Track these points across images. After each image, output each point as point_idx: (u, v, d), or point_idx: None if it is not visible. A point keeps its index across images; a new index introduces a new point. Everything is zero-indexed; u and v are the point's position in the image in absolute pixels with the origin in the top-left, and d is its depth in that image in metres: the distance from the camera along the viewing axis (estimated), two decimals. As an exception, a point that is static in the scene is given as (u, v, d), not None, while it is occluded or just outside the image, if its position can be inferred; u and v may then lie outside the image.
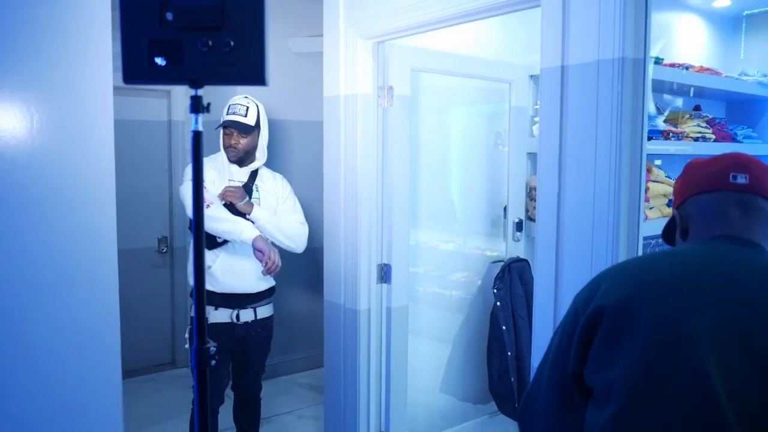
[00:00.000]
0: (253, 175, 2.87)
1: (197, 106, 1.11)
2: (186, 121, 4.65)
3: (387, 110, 2.81)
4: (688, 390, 0.91)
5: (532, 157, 3.40)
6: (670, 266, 1.07)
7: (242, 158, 2.83)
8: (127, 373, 3.69)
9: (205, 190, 2.65)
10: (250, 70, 1.09)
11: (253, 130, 2.80)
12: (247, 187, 2.81)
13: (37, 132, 2.10)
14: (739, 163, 1.16)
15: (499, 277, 3.18)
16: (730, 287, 1.01)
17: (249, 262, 2.74)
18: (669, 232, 1.31)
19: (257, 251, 2.67)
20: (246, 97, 2.85)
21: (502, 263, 3.26)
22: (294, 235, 2.87)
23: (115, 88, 2.25)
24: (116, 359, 2.29)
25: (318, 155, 3.12)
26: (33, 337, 2.11)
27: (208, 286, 2.72)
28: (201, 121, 1.13)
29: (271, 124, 4.42)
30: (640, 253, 1.97)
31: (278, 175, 3.01)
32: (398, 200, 2.85)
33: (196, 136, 1.13)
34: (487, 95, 3.45)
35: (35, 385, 2.12)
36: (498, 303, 3.12)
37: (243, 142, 2.79)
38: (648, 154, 2.88)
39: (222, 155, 2.84)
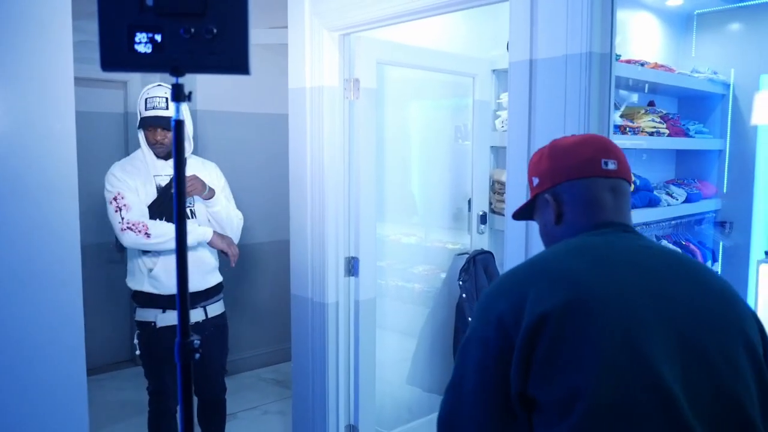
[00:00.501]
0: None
1: (179, 94, 1.09)
2: (144, 114, 4.55)
3: (353, 103, 2.81)
4: (651, 402, 0.93)
5: (495, 150, 3.44)
6: (593, 265, 1.06)
7: (169, 152, 2.65)
8: (88, 371, 3.60)
9: (125, 209, 2.58)
10: (233, 59, 1.07)
11: (169, 126, 2.60)
12: (170, 195, 2.65)
13: (-5, 122, 2.03)
14: (607, 148, 1.22)
15: (465, 269, 3.21)
16: (658, 285, 1.05)
17: (191, 257, 2.53)
18: (525, 213, 1.33)
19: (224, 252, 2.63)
20: (160, 85, 2.65)
21: (467, 255, 3.29)
22: (237, 227, 2.84)
23: (86, 80, 2.19)
24: (80, 356, 2.24)
25: (280, 148, 3.09)
26: (-8, 334, 2.04)
27: (152, 289, 2.64)
28: (182, 110, 1.10)
29: (235, 116, 4.40)
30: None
31: (209, 163, 2.88)
32: (365, 193, 2.85)
33: (178, 126, 1.11)
34: (451, 89, 3.48)
35: (-5, 385, 2.05)
36: (464, 295, 3.15)
37: (169, 136, 2.60)
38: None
39: (142, 153, 2.68)
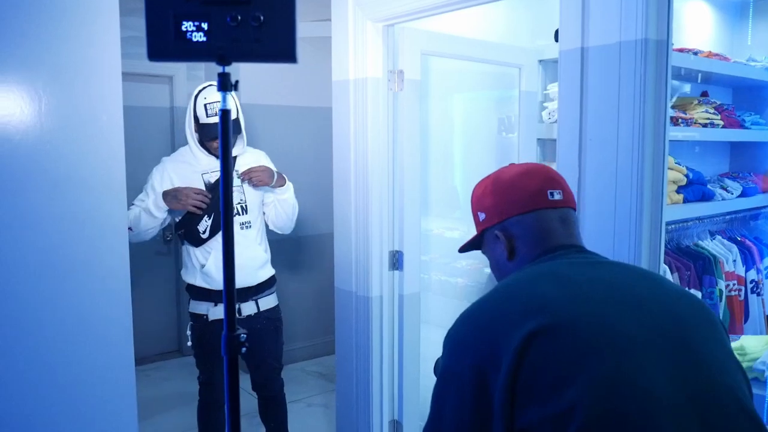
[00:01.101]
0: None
1: (225, 83, 1.07)
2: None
3: (397, 95, 2.77)
4: (641, 411, 0.90)
5: (542, 143, 3.37)
6: (559, 286, 1.04)
7: None
8: (136, 360, 3.66)
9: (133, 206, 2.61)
10: (280, 47, 1.05)
11: (236, 125, 2.62)
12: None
13: (45, 115, 2.06)
14: (552, 177, 1.22)
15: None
16: (627, 293, 1.05)
17: (244, 254, 2.57)
18: (470, 247, 1.32)
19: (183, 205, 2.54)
20: (213, 87, 2.57)
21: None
22: (295, 215, 2.83)
23: (134, 75, 2.21)
24: (129, 347, 2.26)
25: (325, 141, 3.07)
26: (43, 325, 2.08)
27: (204, 284, 2.66)
28: (228, 99, 1.09)
29: (281, 110, 4.41)
30: (663, 238, 1.93)
31: (258, 152, 2.84)
32: (409, 186, 2.81)
33: (225, 116, 1.10)
34: (497, 80, 3.41)
35: (48, 374, 2.09)
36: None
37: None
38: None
39: (190, 150, 2.65)
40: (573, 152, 1.98)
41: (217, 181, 2.62)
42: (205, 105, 2.52)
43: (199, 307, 2.69)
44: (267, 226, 2.84)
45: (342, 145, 2.89)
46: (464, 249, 1.35)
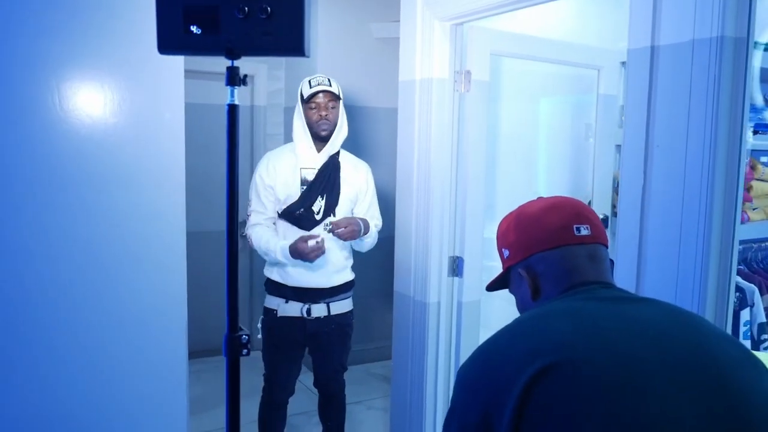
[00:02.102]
0: (332, 162, 2.67)
1: (233, 78, 1.05)
2: (268, 107, 4.69)
3: (464, 96, 2.69)
4: None
5: (621, 149, 3.18)
6: (574, 323, 0.97)
7: (327, 137, 2.65)
8: (198, 353, 3.75)
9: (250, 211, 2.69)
10: (289, 40, 1.01)
11: (339, 100, 2.67)
12: (326, 176, 2.64)
13: (110, 111, 2.13)
14: (579, 213, 1.15)
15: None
16: (649, 328, 0.97)
17: (324, 256, 2.58)
18: (498, 285, 1.26)
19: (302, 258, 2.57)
20: (238, 106, 2.57)
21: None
22: (372, 246, 2.82)
23: (196, 72, 2.24)
24: (183, 340, 2.31)
25: (388, 143, 3.04)
26: (100, 314, 2.15)
27: (279, 279, 2.68)
28: (237, 94, 1.06)
29: (354, 110, 4.41)
30: (735, 255, 1.77)
31: (362, 165, 2.82)
32: (473, 191, 2.73)
33: (232, 110, 1.07)
34: (573, 83, 3.26)
35: (102, 363, 2.16)
36: (577, 303, 2.94)
37: (333, 112, 2.64)
38: (753, 150, 2.64)
39: (293, 145, 2.69)
40: (638, 159, 1.85)
41: (312, 181, 2.63)
42: (309, 80, 2.65)
43: (271, 302, 2.72)
44: None
45: (406, 146, 2.84)
46: (491, 288, 1.29)
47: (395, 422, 2.99)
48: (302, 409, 3.69)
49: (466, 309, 2.77)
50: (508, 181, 3.12)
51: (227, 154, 1.10)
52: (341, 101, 2.68)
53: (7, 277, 1.99)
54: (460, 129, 2.72)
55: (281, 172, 2.65)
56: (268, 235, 2.64)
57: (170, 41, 1.03)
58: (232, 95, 1.07)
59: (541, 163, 3.34)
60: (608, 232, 3.20)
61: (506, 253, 1.19)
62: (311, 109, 2.62)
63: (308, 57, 1.05)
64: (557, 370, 0.88)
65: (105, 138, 2.13)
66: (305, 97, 2.63)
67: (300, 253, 2.53)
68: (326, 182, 2.63)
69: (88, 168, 2.12)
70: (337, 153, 2.70)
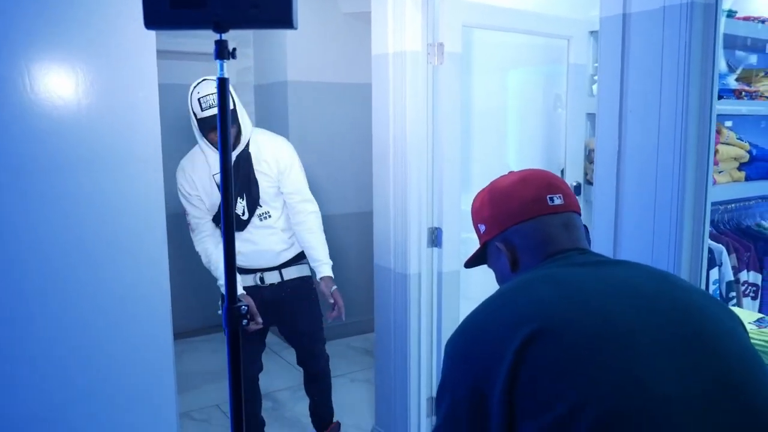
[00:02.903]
0: (242, 157, 2.62)
1: (222, 51, 1.05)
2: (237, 85, 4.63)
3: (437, 68, 2.70)
4: (646, 409, 0.84)
5: (592, 118, 3.23)
6: (559, 289, 0.99)
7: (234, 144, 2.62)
8: (178, 334, 3.74)
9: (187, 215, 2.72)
10: (277, 12, 1.01)
11: (234, 114, 2.57)
12: (239, 176, 2.61)
13: (82, 92, 2.10)
14: (551, 183, 1.17)
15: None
16: (631, 289, 0.99)
17: (265, 240, 2.70)
18: (475, 261, 1.28)
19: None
20: (206, 80, 2.53)
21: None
22: (317, 211, 2.79)
23: (164, 52, 2.21)
24: (167, 319, 2.30)
25: (364, 118, 3.04)
26: (83, 297, 2.14)
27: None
28: (226, 68, 1.06)
29: (326, 87, 4.40)
30: (708, 217, 1.83)
31: (279, 139, 2.78)
32: (449, 162, 2.75)
33: (222, 84, 1.07)
34: (544, 53, 3.29)
35: (86, 345, 2.15)
36: (553, 269, 3.00)
37: (231, 131, 2.53)
38: (718, 115, 2.70)
39: (201, 152, 2.64)
40: (612, 125, 1.89)
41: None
42: (198, 99, 2.50)
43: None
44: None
45: (381, 120, 2.85)
46: (470, 264, 1.31)
47: (380, 393, 3.04)
48: (286, 385, 3.73)
49: (447, 279, 2.81)
50: (483, 153, 3.16)
51: (219, 126, 1.10)
52: (236, 105, 2.59)
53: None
54: (435, 101, 2.73)
55: (198, 182, 2.64)
56: (215, 258, 2.70)
57: (156, 16, 1.02)
58: (222, 69, 1.07)
59: (514, 133, 3.38)
60: (581, 200, 3.26)
61: (482, 228, 1.21)
62: (207, 129, 2.53)
63: (296, 29, 1.05)
64: (544, 336, 0.90)
65: (78, 119, 2.10)
66: (198, 118, 2.52)
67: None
68: (241, 183, 2.62)
69: (63, 151, 2.09)
70: (247, 144, 2.64)
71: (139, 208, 2.22)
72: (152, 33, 2.16)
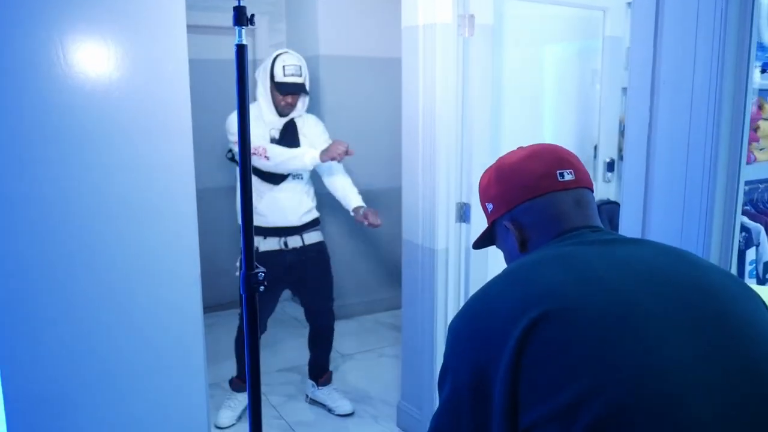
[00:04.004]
0: (291, 122, 3.05)
1: (240, 18, 1.05)
2: (271, 60, 4.64)
3: (468, 41, 2.67)
4: (656, 399, 0.80)
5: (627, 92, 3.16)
6: (568, 271, 0.94)
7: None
8: (210, 308, 3.81)
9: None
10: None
11: (306, 92, 3.04)
12: (289, 133, 3.02)
13: (113, 65, 2.12)
14: (561, 158, 1.12)
15: (586, 220, 3.02)
16: (645, 269, 0.95)
17: (292, 199, 3.04)
18: (486, 241, 1.23)
19: (332, 158, 2.92)
20: (288, 53, 3.03)
21: (590, 205, 3.08)
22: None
23: (194, 26, 2.23)
24: (197, 289, 2.34)
25: (395, 93, 3.02)
26: (111, 271, 2.18)
27: (256, 223, 2.76)
28: (245, 35, 1.07)
29: (352, 60, 4.38)
30: (741, 195, 1.78)
31: (313, 118, 3.20)
32: (478, 136, 2.73)
33: (240, 51, 1.08)
34: (578, 25, 3.21)
35: (115, 318, 2.20)
36: (583, 247, 2.97)
37: (300, 100, 3.04)
38: (761, 90, 2.62)
39: (259, 108, 3.00)
40: (644, 97, 1.84)
41: (283, 127, 3.04)
42: (283, 66, 2.96)
43: None
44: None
45: (410, 93, 2.83)
46: (478, 245, 1.27)
47: (407, 368, 3.06)
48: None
49: (474, 255, 2.80)
50: (514, 127, 3.11)
51: (237, 94, 1.11)
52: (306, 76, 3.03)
53: (8, 228, 2.01)
54: (465, 74, 2.70)
55: (252, 127, 2.87)
56: (287, 149, 2.97)
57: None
58: (240, 35, 1.07)
59: (546, 109, 3.32)
60: (614, 176, 3.20)
61: (490, 207, 1.16)
62: (279, 94, 2.99)
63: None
64: (551, 319, 0.86)
65: (110, 92, 2.13)
66: (276, 81, 2.97)
67: (331, 152, 2.90)
68: (287, 143, 2.99)
69: (96, 122, 2.12)
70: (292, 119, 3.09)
71: (170, 177, 2.25)
72: (182, 6, 2.17)
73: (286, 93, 2.97)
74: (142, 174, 2.20)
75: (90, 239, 2.13)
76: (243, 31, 1.07)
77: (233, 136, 2.95)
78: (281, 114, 3.03)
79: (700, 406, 0.80)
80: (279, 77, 2.96)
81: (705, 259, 1.06)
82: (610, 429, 0.78)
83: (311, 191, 3.18)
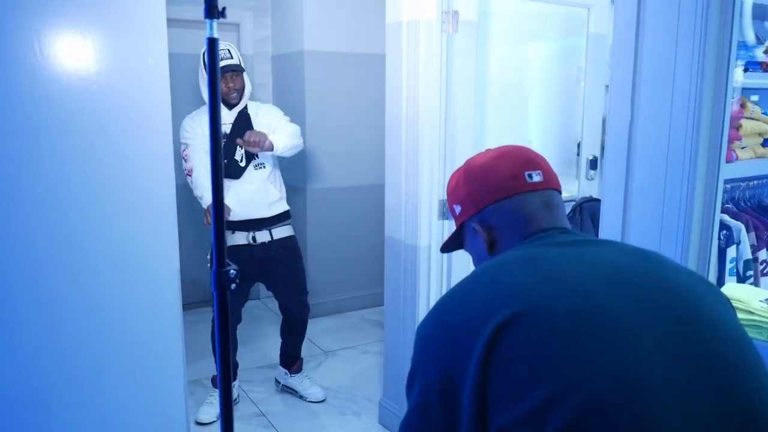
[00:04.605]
0: (242, 114, 3.06)
1: (211, 10, 1.03)
2: (255, 55, 4.61)
3: (452, 37, 2.65)
4: (627, 396, 0.80)
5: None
6: (535, 271, 0.93)
7: (237, 102, 3.06)
8: (191, 304, 3.78)
9: (187, 159, 3.01)
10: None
11: (242, 69, 3.02)
12: (240, 126, 3.00)
13: (92, 58, 2.09)
14: (529, 159, 1.11)
15: (570, 218, 3.02)
16: (612, 270, 0.94)
17: (257, 190, 3.05)
18: (455, 244, 1.22)
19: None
20: (218, 40, 3.08)
21: (573, 203, 3.09)
22: (296, 133, 3.13)
23: (173, 20, 2.20)
24: (176, 285, 2.32)
25: (380, 89, 3.01)
26: (92, 266, 2.15)
27: (225, 216, 2.80)
28: (216, 28, 1.05)
29: (337, 56, 4.36)
30: (720, 193, 1.78)
31: (266, 106, 3.22)
32: (462, 133, 2.72)
33: (212, 44, 1.06)
34: (563, 22, 3.21)
35: (91, 315, 2.17)
36: (566, 244, 2.97)
37: (238, 80, 3.01)
38: (744, 88, 2.62)
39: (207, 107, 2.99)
40: (625, 94, 1.84)
41: (227, 134, 3.04)
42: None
43: None
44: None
45: (394, 90, 2.81)
46: (446, 248, 1.25)
47: (389, 364, 3.05)
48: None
49: (457, 251, 2.78)
50: (498, 124, 3.11)
51: (209, 88, 1.09)
52: (241, 61, 3.05)
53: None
54: (449, 71, 2.69)
55: (201, 131, 2.97)
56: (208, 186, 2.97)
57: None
58: (211, 28, 1.05)
59: (531, 105, 3.32)
60: (597, 174, 3.21)
61: (458, 209, 1.15)
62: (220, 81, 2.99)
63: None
64: (519, 321, 0.84)
65: (88, 85, 2.10)
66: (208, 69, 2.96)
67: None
68: (242, 130, 2.97)
69: (72, 116, 2.09)
70: (245, 107, 3.09)
71: (149, 172, 2.22)
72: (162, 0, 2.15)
73: (222, 75, 2.94)
74: (119, 169, 2.17)
75: (66, 236, 2.10)
76: (214, 24, 1.05)
77: (182, 140, 3.01)
78: (229, 104, 3.03)
79: (670, 406, 0.79)
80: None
81: (672, 260, 1.04)
82: (581, 430, 0.77)
83: (277, 180, 3.18)
